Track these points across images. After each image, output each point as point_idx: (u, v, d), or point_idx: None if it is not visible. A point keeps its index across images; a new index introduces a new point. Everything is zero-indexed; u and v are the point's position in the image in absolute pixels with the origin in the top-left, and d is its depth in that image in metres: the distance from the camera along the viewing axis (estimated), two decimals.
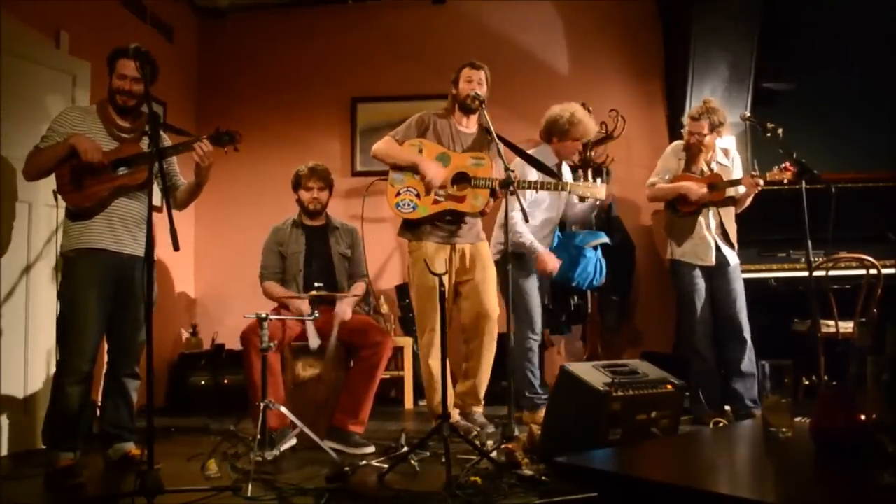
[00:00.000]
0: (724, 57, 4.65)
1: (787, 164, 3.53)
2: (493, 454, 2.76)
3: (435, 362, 3.45)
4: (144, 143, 2.92)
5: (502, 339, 3.51)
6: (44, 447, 2.96)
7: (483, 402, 3.62)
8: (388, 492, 2.50)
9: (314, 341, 3.29)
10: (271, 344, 2.93)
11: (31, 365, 3.34)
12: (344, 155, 5.30)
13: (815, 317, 3.48)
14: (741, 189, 3.77)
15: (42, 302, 3.37)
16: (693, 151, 3.83)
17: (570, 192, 3.59)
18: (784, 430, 1.79)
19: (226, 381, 4.56)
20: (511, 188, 3.08)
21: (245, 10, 5.40)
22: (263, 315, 2.92)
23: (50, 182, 2.94)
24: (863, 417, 1.61)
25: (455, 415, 3.52)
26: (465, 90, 3.51)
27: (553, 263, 3.72)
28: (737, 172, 3.87)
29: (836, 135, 4.67)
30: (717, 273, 3.79)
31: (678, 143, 3.97)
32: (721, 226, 3.81)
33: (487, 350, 3.56)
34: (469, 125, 3.62)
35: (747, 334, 3.71)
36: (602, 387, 2.60)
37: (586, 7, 5.26)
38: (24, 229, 3.34)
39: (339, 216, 3.91)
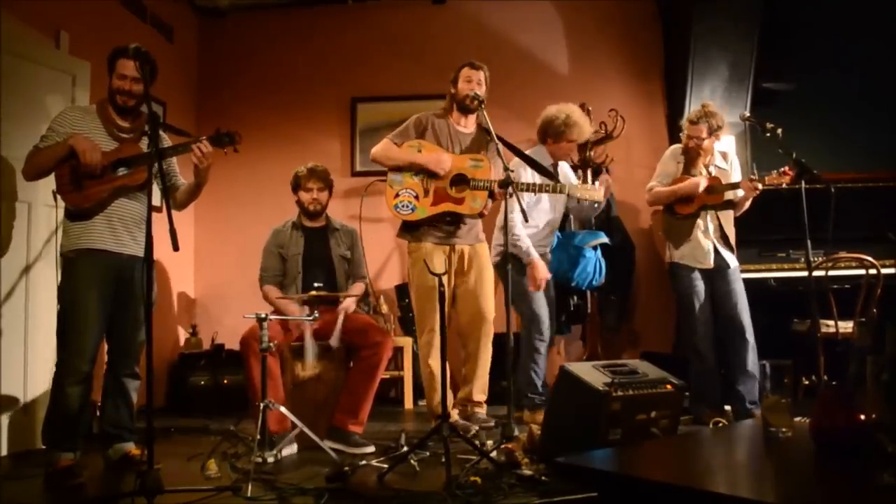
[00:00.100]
0: (723, 57, 4.64)
1: (786, 168, 3.52)
2: (493, 454, 2.76)
3: (435, 362, 3.46)
4: (144, 144, 2.91)
5: (502, 339, 3.51)
6: (44, 447, 2.96)
7: (485, 404, 3.60)
8: (387, 492, 2.50)
9: (311, 354, 3.25)
10: (271, 344, 2.93)
11: (31, 365, 3.34)
12: (344, 155, 5.30)
13: (814, 317, 3.48)
14: (739, 192, 3.76)
15: (42, 302, 3.37)
16: (692, 155, 3.83)
17: (568, 195, 3.58)
18: (784, 430, 1.80)
19: (225, 382, 4.56)
20: (510, 189, 3.07)
21: (245, 10, 5.40)
22: (263, 315, 2.92)
23: (49, 182, 2.94)
24: (863, 417, 1.61)
25: (454, 414, 3.52)
26: (464, 90, 3.51)
27: (542, 275, 3.67)
28: (735, 175, 3.86)
29: (836, 135, 4.67)
30: (717, 275, 3.78)
31: (676, 146, 3.96)
32: (720, 229, 3.81)
33: (484, 352, 3.56)
34: (467, 125, 3.62)
35: (750, 334, 3.69)
36: (602, 387, 2.60)
37: (586, 7, 5.25)
38: (23, 229, 3.34)
39: (338, 216, 3.91)
